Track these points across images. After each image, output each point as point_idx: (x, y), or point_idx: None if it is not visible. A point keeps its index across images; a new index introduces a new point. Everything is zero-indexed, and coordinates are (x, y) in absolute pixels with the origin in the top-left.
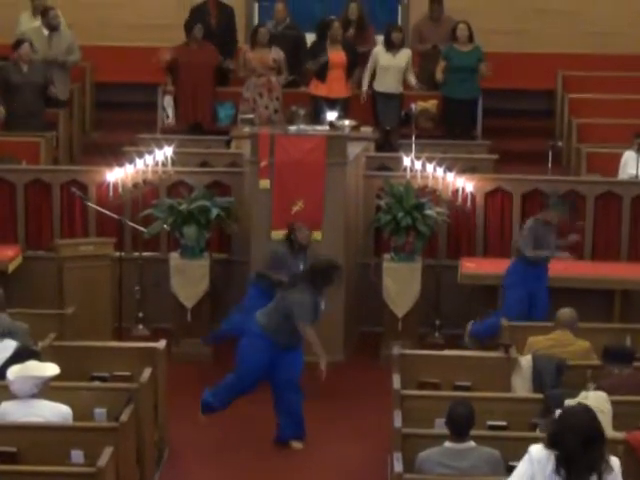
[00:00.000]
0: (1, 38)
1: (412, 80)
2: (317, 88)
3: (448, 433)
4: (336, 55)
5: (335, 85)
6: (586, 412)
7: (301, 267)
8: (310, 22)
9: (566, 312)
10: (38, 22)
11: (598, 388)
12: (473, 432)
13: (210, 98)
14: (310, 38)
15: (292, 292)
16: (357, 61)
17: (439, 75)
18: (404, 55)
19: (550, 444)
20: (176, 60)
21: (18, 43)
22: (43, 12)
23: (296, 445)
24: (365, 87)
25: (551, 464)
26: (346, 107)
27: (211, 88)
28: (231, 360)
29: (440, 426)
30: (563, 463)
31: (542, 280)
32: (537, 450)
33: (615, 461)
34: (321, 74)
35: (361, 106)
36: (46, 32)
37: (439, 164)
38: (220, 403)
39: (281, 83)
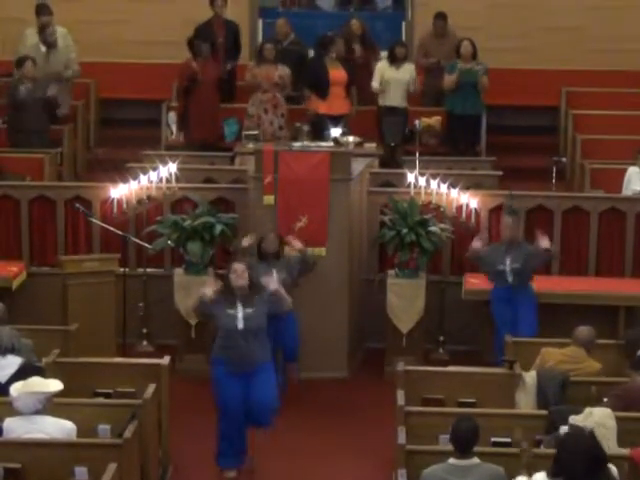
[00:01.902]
0: (8, 55)
1: (412, 88)
2: (317, 105)
3: (452, 449)
4: (336, 72)
5: (335, 102)
6: (585, 436)
7: (275, 276)
8: (311, 38)
9: (584, 330)
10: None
11: (612, 394)
12: (477, 448)
13: (217, 115)
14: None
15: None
16: (354, 78)
17: (449, 85)
18: (408, 68)
19: (554, 473)
20: (197, 74)
21: (21, 61)
22: (40, 29)
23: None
24: (376, 84)
25: None
26: (347, 123)
27: (217, 105)
28: None
29: (445, 442)
30: None
31: (523, 299)
32: (541, 478)
33: (614, 469)
34: (321, 91)
35: (365, 123)
36: (44, 49)
37: (443, 180)
38: (227, 449)
39: (284, 98)
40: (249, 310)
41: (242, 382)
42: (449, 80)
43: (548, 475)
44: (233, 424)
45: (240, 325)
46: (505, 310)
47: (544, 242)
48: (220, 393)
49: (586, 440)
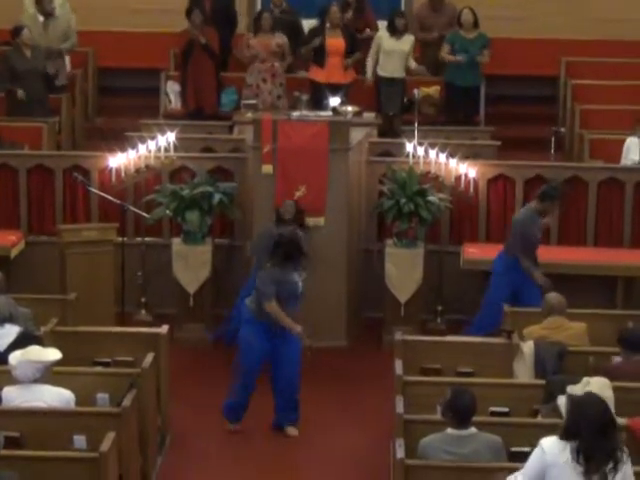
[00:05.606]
0: (7, 24)
1: (412, 64)
2: (316, 73)
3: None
4: (334, 41)
5: (334, 71)
6: (598, 400)
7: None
8: (308, 7)
9: (556, 297)
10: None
11: (602, 371)
12: (475, 418)
13: (212, 83)
14: (307, 24)
15: (261, 271)
16: (356, 47)
17: (446, 56)
18: (408, 40)
19: (567, 436)
20: (194, 41)
21: (18, 30)
22: None
23: (291, 431)
24: (370, 73)
25: (566, 454)
26: (347, 93)
27: (213, 73)
28: (232, 345)
29: None
30: (582, 453)
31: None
32: (549, 442)
33: (625, 450)
34: (319, 60)
35: (363, 92)
36: (41, 18)
37: (442, 150)
38: (239, 401)
39: (284, 68)
40: (302, 275)
41: (272, 343)
42: (446, 52)
43: (560, 439)
44: (251, 383)
45: (300, 289)
46: (505, 276)
47: None
48: (250, 351)
49: (596, 405)
